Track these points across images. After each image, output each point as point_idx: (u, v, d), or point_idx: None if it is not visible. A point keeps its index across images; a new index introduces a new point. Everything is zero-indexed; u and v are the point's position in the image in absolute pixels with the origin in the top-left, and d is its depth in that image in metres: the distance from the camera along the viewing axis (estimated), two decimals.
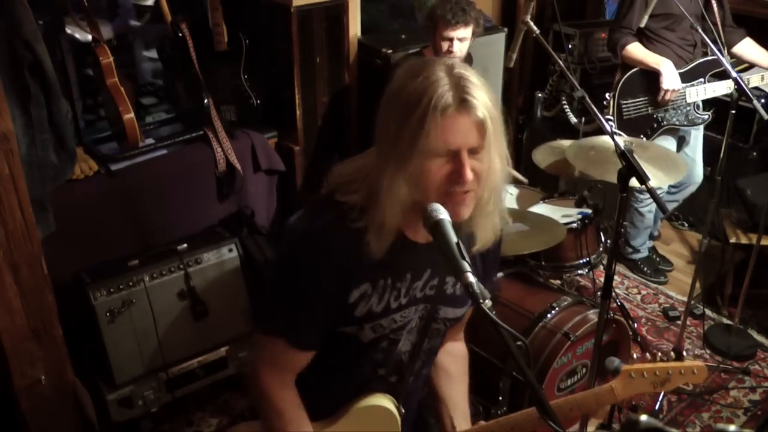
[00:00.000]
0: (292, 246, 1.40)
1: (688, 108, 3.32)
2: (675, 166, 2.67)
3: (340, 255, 1.32)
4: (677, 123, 3.35)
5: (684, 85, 3.26)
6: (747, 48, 3.37)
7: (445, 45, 2.93)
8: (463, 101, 1.21)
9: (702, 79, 3.29)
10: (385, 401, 1.53)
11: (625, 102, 3.32)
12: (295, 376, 1.46)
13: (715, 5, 3.10)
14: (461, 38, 2.93)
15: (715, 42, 2.66)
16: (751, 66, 3.47)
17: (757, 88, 3.42)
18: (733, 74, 2.58)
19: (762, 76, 3.24)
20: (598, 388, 1.50)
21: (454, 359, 1.69)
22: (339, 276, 1.33)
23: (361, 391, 1.53)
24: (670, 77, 3.20)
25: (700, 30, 2.68)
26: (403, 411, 1.52)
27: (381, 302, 1.38)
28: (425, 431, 1.71)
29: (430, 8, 2.95)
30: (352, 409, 1.51)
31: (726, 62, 2.61)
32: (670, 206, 3.72)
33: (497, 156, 1.27)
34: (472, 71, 1.27)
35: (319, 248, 1.34)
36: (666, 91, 3.21)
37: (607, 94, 3.36)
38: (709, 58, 3.24)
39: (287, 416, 1.44)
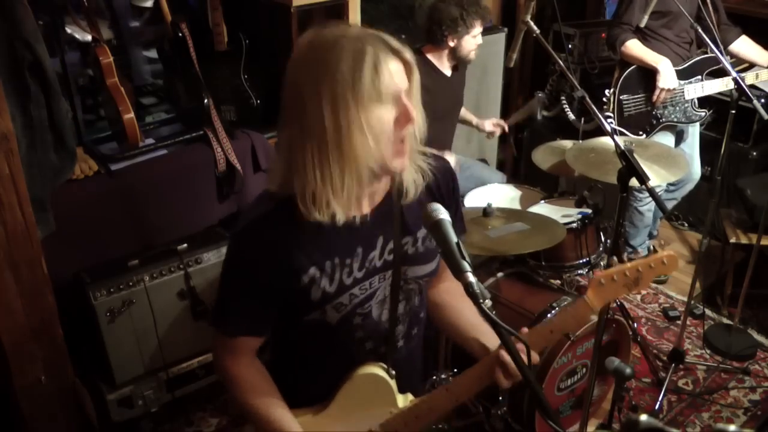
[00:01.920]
0: (230, 242, 1.45)
1: (686, 105, 3.33)
2: (676, 162, 2.68)
3: (271, 247, 1.35)
4: (675, 120, 3.36)
5: (682, 82, 3.27)
6: (743, 46, 3.37)
7: (474, 42, 3.02)
8: (392, 48, 1.26)
9: (699, 77, 3.29)
10: (369, 368, 1.51)
11: (625, 98, 3.33)
12: (252, 355, 1.51)
13: (710, 5, 3.10)
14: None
15: (714, 40, 2.66)
16: (750, 66, 3.47)
17: (755, 87, 3.42)
18: (733, 74, 2.58)
19: (757, 74, 3.23)
20: (572, 306, 1.45)
21: (450, 294, 1.65)
22: (275, 267, 1.36)
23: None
24: (667, 76, 3.20)
25: (698, 28, 2.68)
26: (394, 372, 1.51)
27: (333, 283, 1.39)
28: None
29: (460, 13, 2.93)
30: (340, 388, 1.51)
31: (724, 60, 2.62)
32: (669, 205, 3.73)
33: (417, 96, 1.31)
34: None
35: (250, 243, 1.37)
36: (662, 90, 3.22)
37: (606, 91, 3.36)
38: (707, 55, 3.24)
39: (258, 394, 1.49)
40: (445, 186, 1.50)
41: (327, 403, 1.52)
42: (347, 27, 1.29)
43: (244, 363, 1.50)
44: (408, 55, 1.27)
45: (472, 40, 3.01)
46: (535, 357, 1.36)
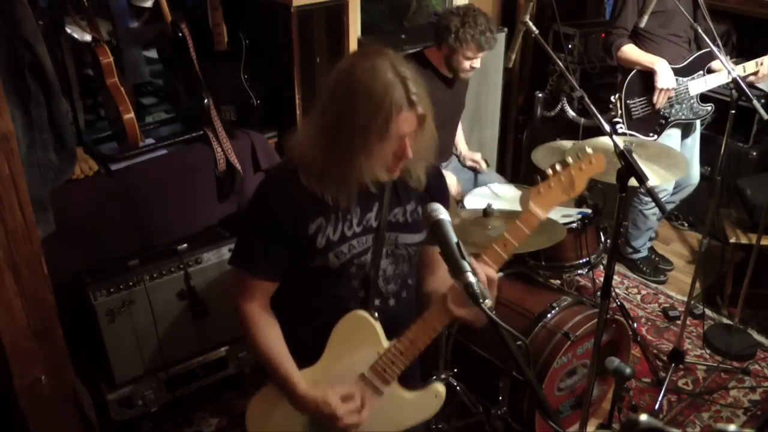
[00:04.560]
0: (255, 194, 1.73)
1: (692, 101, 3.33)
2: (676, 162, 2.68)
3: (290, 198, 1.62)
4: (684, 117, 3.35)
5: (685, 79, 3.27)
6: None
7: (467, 64, 3.01)
8: (410, 102, 1.51)
9: (701, 72, 3.29)
10: (354, 312, 1.69)
11: (632, 101, 3.33)
12: (267, 301, 1.73)
13: (703, 8, 3.09)
14: (481, 58, 3.00)
15: (712, 38, 2.67)
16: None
17: (755, 87, 3.41)
18: (733, 74, 2.58)
19: (756, 62, 3.22)
20: (520, 218, 1.58)
21: (441, 284, 1.77)
22: (293, 214, 1.62)
23: None
24: (664, 76, 3.19)
25: (698, 27, 2.68)
26: (377, 315, 1.70)
27: (336, 232, 1.64)
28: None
29: (456, 28, 2.91)
30: (331, 336, 1.70)
31: (722, 57, 2.62)
32: (668, 207, 3.73)
33: (430, 130, 1.60)
34: (407, 64, 1.56)
35: (273, 193, 1.67)
36: (661, 90, 3.21)
37: (612, 97, 3.36)
38: (706, 50, 3.24)
39: (265, 337, 1.72)
40: (435, 180, 1.77)
41: (319, 356, 1.71)
42: (385, 63, 1.52)
43: (260, 305, 1.72)
44: (421, 107, 1.52)
45: (464, 61, 2.98)
46: (493, 273, 1.53)
